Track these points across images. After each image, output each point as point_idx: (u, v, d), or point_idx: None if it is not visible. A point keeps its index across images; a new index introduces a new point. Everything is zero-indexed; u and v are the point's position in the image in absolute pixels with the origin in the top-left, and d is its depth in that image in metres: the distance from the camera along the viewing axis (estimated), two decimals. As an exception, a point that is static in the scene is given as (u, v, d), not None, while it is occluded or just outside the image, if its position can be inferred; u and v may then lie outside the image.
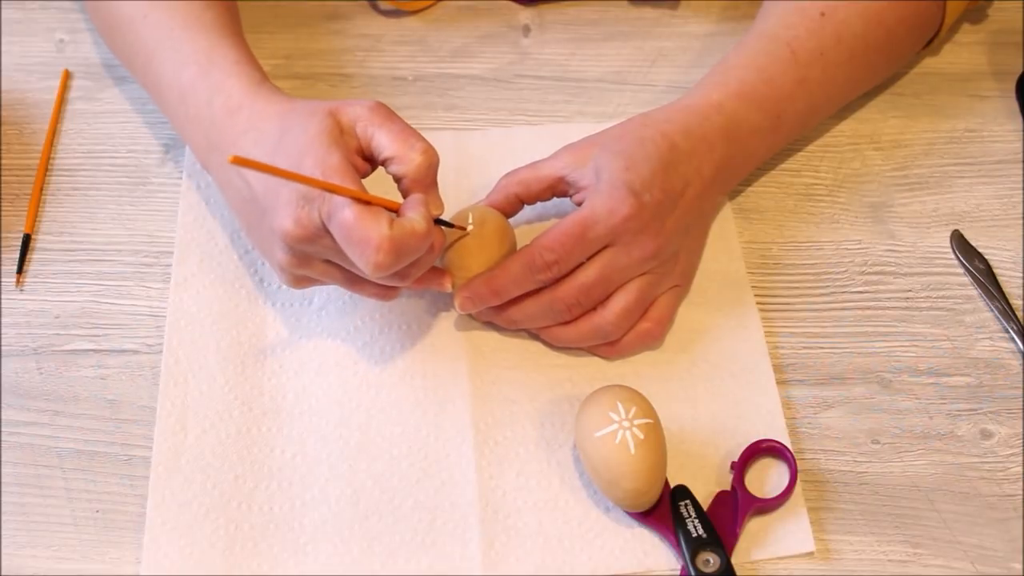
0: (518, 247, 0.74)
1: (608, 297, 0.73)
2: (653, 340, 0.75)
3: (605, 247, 0.72)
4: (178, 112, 0.77)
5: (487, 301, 0.72)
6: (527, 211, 0.79)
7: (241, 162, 0.60)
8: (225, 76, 0.74)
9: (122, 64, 0.85)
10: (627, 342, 0.74)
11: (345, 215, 0.64)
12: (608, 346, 0.75)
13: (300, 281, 0.72)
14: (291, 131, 0.69)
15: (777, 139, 0.81)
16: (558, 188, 0.77)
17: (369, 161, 0.70)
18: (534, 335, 0.76)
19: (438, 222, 0.70)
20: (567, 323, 0.74)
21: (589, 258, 0.72)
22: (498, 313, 0.74)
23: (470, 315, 0.75)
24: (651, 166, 0.73)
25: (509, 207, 0.77)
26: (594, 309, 0.73)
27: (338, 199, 0.64)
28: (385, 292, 0.71)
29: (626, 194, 0.71)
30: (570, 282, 0.72)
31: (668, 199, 0.73)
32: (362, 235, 0.64)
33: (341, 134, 0.68)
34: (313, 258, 0.69)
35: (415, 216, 0.66)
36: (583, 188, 0.74)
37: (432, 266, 0.71)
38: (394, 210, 0.67)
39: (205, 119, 0.74)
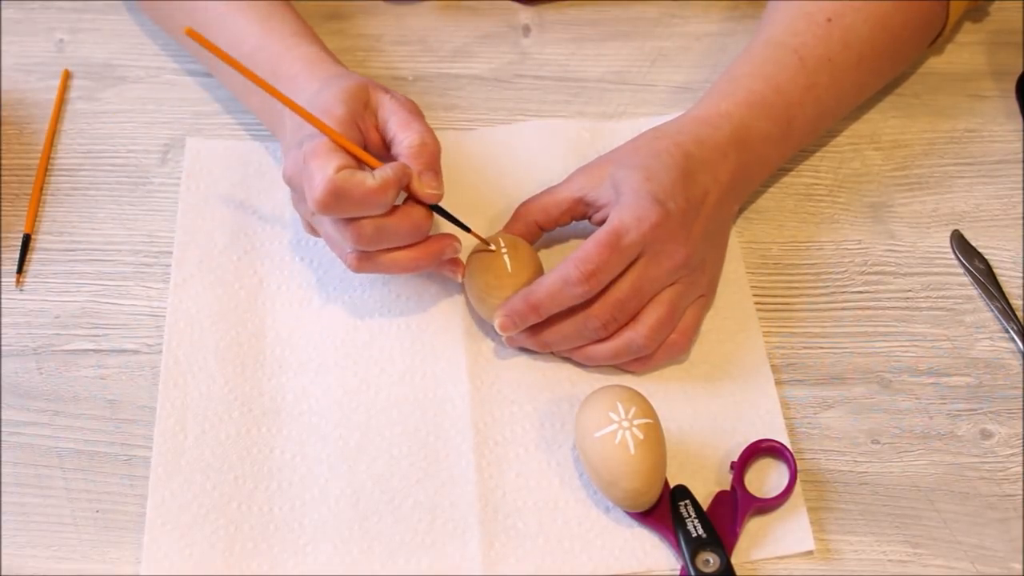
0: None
1: (639, 312, 0.72)
2: (680, 352, 0.74)
3: (636, 259, 0.71)
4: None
5: (526, 318, 0.71)
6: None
7: (193, 35, 0.64)
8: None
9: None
10: (656, 356, 0.74)
11: (306, 147, 0.67)
12: (637, 361, 0.74)
13: (309, 227, 0.74)
14: (328, 87, 0.72)
15: (788, 146, 0.81)
16: (577, 210, 0.76)
17: (387, 146, 0.72)
18: (565, 357, 0.75)
19: (443, 214, 0.71)
20: (600, 341, 0.73)
21: (620, 273, 0.71)
22: (532, 336, 0.73)
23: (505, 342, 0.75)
24: (670, 175, 0.73)
25: (529, 235, 0.77)
26: (625, 325, 0.73)
27: (315, 139, 0.68)
28: (354, 259, 0.71)
29: (651, 202, 0.71)
30: (604, 298, 0.71)
31: (691, 206, 0.73)
32: (311, 171, 0.66)
33: (364, 107, 0.71)
34: (300, 201, 0.72)
35: (375, 173, 0.67)
36: (603, 206, 0.74)
37: (434, 248, 0.71)
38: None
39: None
